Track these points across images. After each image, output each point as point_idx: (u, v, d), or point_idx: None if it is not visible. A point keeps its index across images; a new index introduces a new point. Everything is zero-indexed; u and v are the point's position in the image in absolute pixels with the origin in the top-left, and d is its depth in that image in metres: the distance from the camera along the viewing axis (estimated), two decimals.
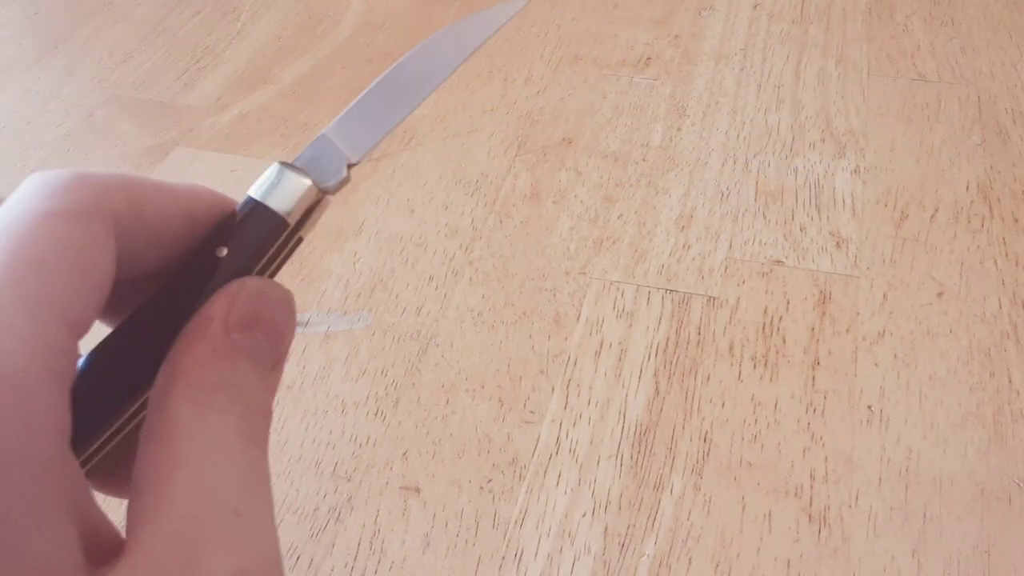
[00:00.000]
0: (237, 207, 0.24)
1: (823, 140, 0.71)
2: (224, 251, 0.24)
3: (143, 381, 0.22)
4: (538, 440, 0.49)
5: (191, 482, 0.16)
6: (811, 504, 0.46)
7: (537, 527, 0.45)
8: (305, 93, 0.77)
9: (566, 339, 0.54)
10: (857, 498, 0.46)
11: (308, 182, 0.25)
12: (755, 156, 0.69)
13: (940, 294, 0.58)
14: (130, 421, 0.22)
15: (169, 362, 0.18)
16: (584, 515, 0.45)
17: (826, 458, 0.48)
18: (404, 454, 0.49)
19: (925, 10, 0.86)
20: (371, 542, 0.45)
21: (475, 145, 0.71)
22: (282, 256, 0.26)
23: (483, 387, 0.52)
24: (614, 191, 0.66)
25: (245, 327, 0.19)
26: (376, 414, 0.51)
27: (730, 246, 0.61)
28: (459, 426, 0.50)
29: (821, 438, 0.49)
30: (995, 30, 0.83)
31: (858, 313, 0.57)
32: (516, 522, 0.45)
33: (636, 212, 0.64)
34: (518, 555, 0.44)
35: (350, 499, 0.47)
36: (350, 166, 0.27)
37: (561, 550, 0.44)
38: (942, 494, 0.46)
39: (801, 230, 0.63)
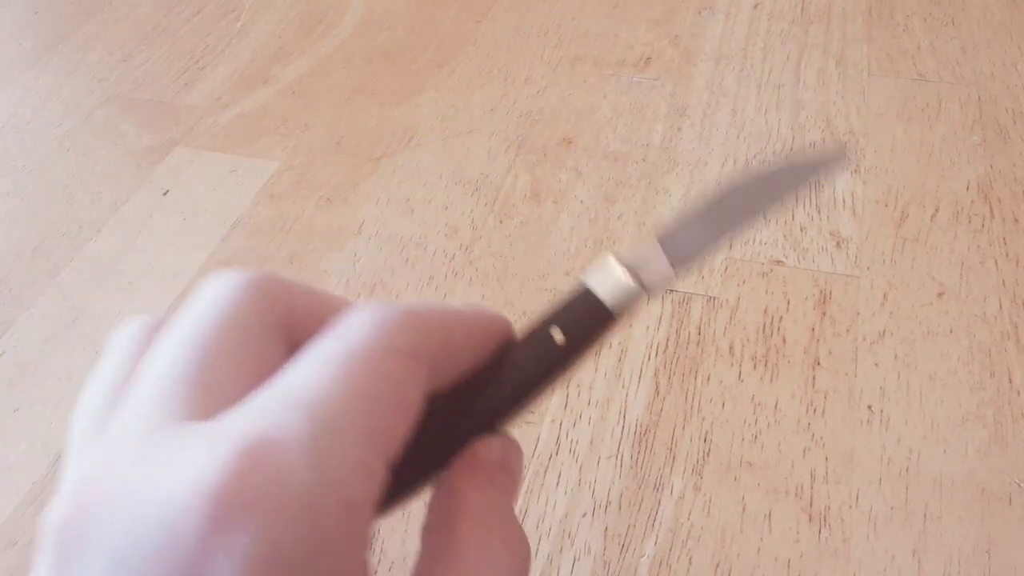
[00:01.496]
0: (573, 292, 0.27)
1: (823, 140, 0.71)
2: (561, 336, 0.27)
3: (440, 464, 0.25)
4: (538, 440, 0.49)
5: None
6: (811, 504, 0.46)
7: (537, 527, 0.45)
8: (305, 93, 0.77)
9: None
10: (857, 498, 0.46)
11: (637, 285, 0.28)
12: (755, 156, 0.69)
13: (940, 294, 0.58)
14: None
15: (456, 484, 0.21)
16: (584, 515, 0.45)
17: (826, 458, 0.48)
18: None
19: (925, 10, 0.86)
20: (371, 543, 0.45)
21: (475, 145, 0.71)
22: (599, 343, 0.29)
23: None
24: (614, 191, 0.66)
25: (502, 469, 0.21)
26: None
27: (730, 246, 0.61)
28: None
29: (821, 438, 0.49)
30: (995, 30, 0.83)
31: (858, 313, 0.57)
32: None
33: (636, 212, 0.64)
34: None
35: None
36: (673, 274, 0.29)
37: (561, 550, 0.44)
38: (942, 494, 0.46)
39: (801, 230, 0.63)
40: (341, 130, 0.73)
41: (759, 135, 0.71)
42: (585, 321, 0.28)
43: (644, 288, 0.28)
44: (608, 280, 0.28)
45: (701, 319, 0.56)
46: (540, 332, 0.27)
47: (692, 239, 0.30)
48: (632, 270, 0.28)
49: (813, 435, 0.49)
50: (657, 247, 0.30)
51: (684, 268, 0.29)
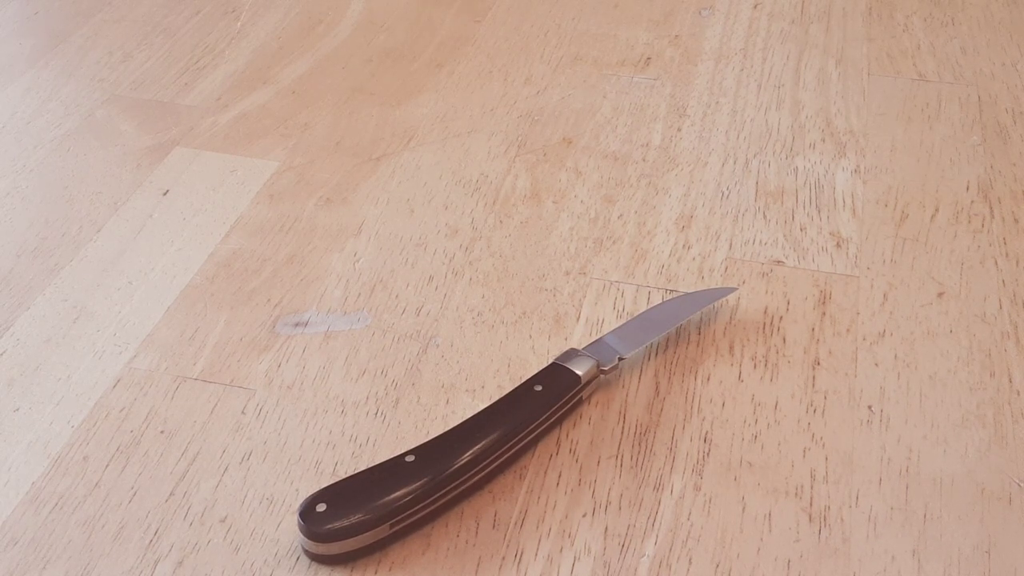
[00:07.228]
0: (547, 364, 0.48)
1: (823, 140, 0.71)
2: (540, 388, 0.47)
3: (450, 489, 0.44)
4: (538, 441, 0.49)
5: None
6: (811, 504, 0.46)
7: (537, 527, 0.45)
8: (305, 93, 0.77)
9: (566, 339, 0.54)
10: (857, 498, 0.46)
11: (594, 361, 0.49)
12: (755, 156, 0.69)
13: (940, 294, 0.58)
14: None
15: None
16: (584, 515, 0.45)
17: (826, 458, 0.48)
18: None
19: (925, 10, 0.86)
20: None
21: (475, 145, 0.71)
22: (570, 403, 0.48)
23: (483, 387, 0.52)
24: (614, 191, 0.66)
25: None
26: (376, 414, 0.51)
27: (730, 246, 0.61)
28: None
29: (821, 438, 0.49)
30: (995, 30, 0.83)
31: (858, 313, 0.57)
32: (516, 523, 0.45)
33: (636, 212, 0.64)
34: (518, 555, 0.44)
35: None
36: (620, 359, 0.50)
37: (561, 550, 0.44)
38: (942, 494, 0.46)
39: (801, 230, 0.63)
40: (341, 130, 0.73)
41: (759, 135, 0.71)
42: (561, 383, 0.47)
43: (599, 367, 0.49)
44: (575, 361, 0.48)
45: (701, 319, 0.56)
46: (525, 387, 0.47)
47: (630, 338, 0.51)
48: (590, 355, 0.49)
49: (813, 435, 0.49)
50: (608, 343, 0.50)
51: (627, 356, 0.50)
